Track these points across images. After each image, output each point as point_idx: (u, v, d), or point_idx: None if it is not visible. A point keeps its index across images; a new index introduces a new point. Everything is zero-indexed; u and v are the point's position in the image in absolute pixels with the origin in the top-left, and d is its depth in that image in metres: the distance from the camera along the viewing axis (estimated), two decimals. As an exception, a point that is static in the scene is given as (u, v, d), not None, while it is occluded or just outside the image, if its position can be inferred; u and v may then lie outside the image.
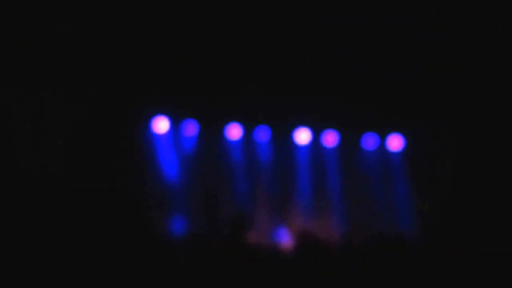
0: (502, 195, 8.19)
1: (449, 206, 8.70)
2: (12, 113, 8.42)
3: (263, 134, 9.46)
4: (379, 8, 8.10)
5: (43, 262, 5.90)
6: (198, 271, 5.84)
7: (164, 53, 8.57)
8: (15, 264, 5.85)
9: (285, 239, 8.86)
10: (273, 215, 9.27)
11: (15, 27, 7.97)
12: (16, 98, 8.37)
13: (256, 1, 8.16)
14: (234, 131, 9.40)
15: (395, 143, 9.55)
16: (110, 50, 8.44)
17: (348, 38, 8.45)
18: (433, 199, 8.99)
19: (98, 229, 6.76)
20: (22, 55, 8.15)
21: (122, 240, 6.56)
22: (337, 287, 5.86)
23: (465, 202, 8.56)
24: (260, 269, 6.00)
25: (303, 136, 9.47)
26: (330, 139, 9.52)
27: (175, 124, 9.33)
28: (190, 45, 8.55)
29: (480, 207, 8.25)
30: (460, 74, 8.51)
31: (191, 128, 9.36)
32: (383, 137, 9.57)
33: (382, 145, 9.57)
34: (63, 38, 8.23)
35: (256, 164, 9.48)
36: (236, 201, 9.29)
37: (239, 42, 8.52)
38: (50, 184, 7.88)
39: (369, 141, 9.56)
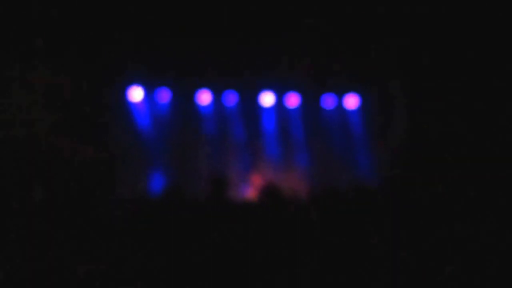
0: (455, 148, 8.35)
1: (403, 158, 8.84)
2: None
3: (231, 99, 9.62)
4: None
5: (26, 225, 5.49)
6: (178, 229, 5.64)
7: (138, 27, 8.60)
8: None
9: (253, 193, 9.00)
10: (243, 172, 9.49)
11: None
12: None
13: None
14: (204, 97, 9.55)
15: (351, 102, 9.71)
16: (86, 23, 8.43)
17: (308, 1, 8.50)
18: (388, 152, 9.13)
19: (77, 192, 6.45)
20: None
21: (102, 202, 6.36)
22: (304, 237, 5.67)
23: (418, 155, 8.68)
24: (237, 222, 5.85)
25: (267, 98, 9.60)
26: (293, 100, 9.68)
27: (149, 92, 9.48)
28: (160, 18, 8.57)
29: (434, 160, 8.39)
30: (413, 34, 8.64)
31: (164, 96, 9.48)
32: (340, 97, 9.73)
33: (339, 104, 9.73)
34: (39, 9, 8.16)
35: (226, 126, 9.68)
36: (208, 159, 9.42)
37: (206, 11, 8.56)
38: (27, 151, 7.94)
39: (328, 101, 9.72)
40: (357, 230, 5.60)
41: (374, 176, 9.08)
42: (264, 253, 5.40)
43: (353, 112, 9.79)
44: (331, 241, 5.52)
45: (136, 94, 9.42)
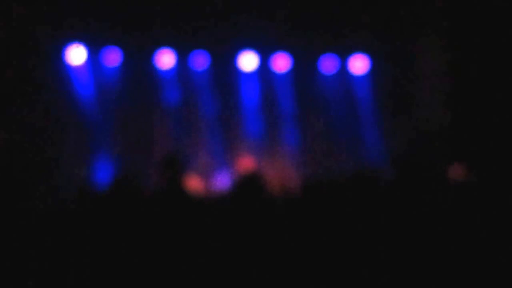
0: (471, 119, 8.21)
1: (425, 135, 8.57)
2: None
3: (200, 61, 9.11)
4: None
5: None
6: (128, 228, 5.31)
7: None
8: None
9: (226, 183, 8.53)
10: (212, 156, 9.06)
11: None
12: None
13: None
14: (166, 59, 9.03)
15: (358, 65, 9.37)
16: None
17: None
18: (405, 128, 8.79)
19: (16, 167, 6.65)
20: None
21: (33, 193, 6.30)
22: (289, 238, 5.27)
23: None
24: (197, 216, 5.55)
25: (248, 61, 9.18)
26: (281, 63, 9.27)
27: (94, 52, 8.94)
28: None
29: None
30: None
31: (113, 57, 8.99)
32: (344, 59, 9.40)
33: (343, 68, 9.41)
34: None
35: (193, 96, 9.12)
36: (169, 139, 8.98)
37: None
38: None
39: (327, 64, 9.36)
40: (359, 231, 5.23)
41: (384, 163, 8.56)
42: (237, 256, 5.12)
43: (360, 78, 9.41)
44: (326, 243, 5.14)
45: (77, 54, 8.86)
